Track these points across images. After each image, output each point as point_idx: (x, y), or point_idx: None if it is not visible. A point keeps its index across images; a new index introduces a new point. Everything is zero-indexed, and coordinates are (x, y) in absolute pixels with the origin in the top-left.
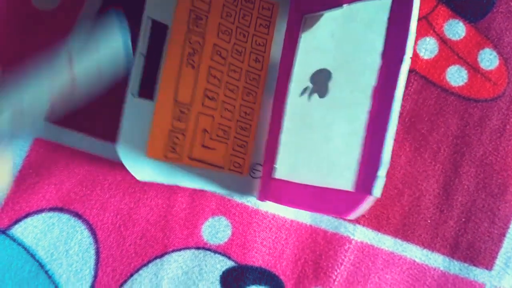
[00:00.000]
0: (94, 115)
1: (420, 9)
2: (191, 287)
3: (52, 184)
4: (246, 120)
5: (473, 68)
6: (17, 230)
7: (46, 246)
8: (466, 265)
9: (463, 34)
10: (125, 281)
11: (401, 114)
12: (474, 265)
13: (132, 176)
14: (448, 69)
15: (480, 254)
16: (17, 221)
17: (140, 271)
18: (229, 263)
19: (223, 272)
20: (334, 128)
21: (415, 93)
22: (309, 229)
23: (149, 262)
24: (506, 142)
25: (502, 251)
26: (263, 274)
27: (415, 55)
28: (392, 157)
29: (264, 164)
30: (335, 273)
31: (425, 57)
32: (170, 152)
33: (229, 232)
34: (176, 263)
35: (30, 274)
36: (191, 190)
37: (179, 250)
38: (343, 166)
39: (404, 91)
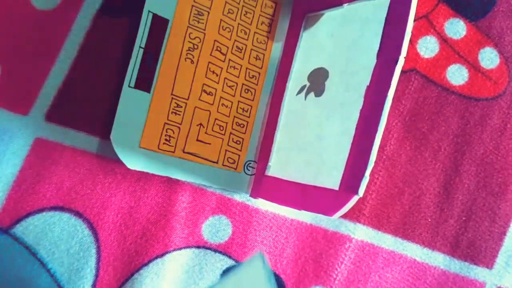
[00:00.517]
0: (94, 114)
1: (421, 8)
2: (191, 286)
3: (52, 183)
4: (243, 117)
5: (474, 67)
6: (19, 230)
7: (47, 245)
8: (466, 263)
9: (464, 33)
10: (126, 280)
11: (401, 113)
12: (475, 263)
13: (133, 175)
14: (449, 68)
15: (481, 253)
16: (18, 220)
17: (141, 271)
18: (230, 262)
19: (224, 271)
20: (327, 127)
21: (415, 92)
22: (309, 228)
23: (149, 261)
24: (507, 141)
25: (502, 249)
26: None
27: (416, 54)
28: (392, 156)
29: (258, 161)
30: (336, 272)
31: (426, 56)
32: (164, 144)
33: (229, 231)
34: (177, 262)
35: (32, 273)
36: (191, 189)
37: (180, 249)
38: (332, 165)
39: (405, 90)
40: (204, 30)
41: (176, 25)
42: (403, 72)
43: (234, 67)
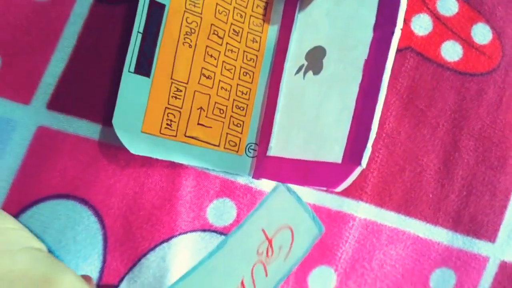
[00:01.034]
0: (95, 101)
1: None
2: None
3: (57, 171)
4: (242, 99)
5: (467, 43)
6: (24, 218)
7: (53, 233)
8: (469, 238)
9: (456, 10)
10: (134, 265)
11: (398, 91)
12: (477, 238)
13: (136, 161)
14: (443, 45)
15: (483, 227)
16: (24, 209)
17: (148, 255)
18: None
19: None
20: (326, 104)
21: (411, 70)
22: (313, 208)
23: (156, 246)
24: (503, 114)
25: (504, 223)
26: None
27: (410, 32)
28: (392, 134)
29: (259, 143)
30: (340, 251)
31: (420, 34)
32: (165, 129)
33: (234, 214)
34: (183, 246)
35: None
36: (195, 173)
37: (186, 233)
38: (333, 140)
39: (401, 68)
40: (201, 14)
41: (172, 9)
42: (398, 50)
43: (231, 51)
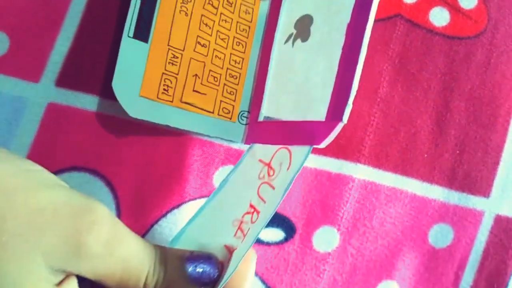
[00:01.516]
0: (101, 77)
1: None
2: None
3: (68, 145)
4: (235, 68)
5: (454, 8)
6: None
7: None
8: (464, 194)
9: None
10: (146, 232)
11: (390, 57)
12: (472, 193)
13: (144, 132)
14: (431, 11)
15: (477, 183)
16: None
17: (160, 222)
18: None
19: None
20: (314, 68)
21: (402, 36)
22: (313, 172)
23: (167, 212)
24: (491, 75)
25: (497, 178)
26: (274, 217)
27: (399, 1)
28: (386, 98)
29: (251, 110)
30: (342, 211)
31: (408, 2)
32: (162, 94)
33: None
34: (193, 211)
35: None
36: (200, 142)
37: (195, 199)
38: (319, 101)
39: (392, 35)
40: None
41: None
42: (388, 18)
43: (225, 21)
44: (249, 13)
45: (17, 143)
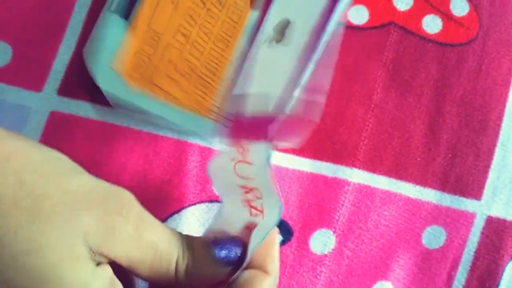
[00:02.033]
0: None
1: None
2: None
3: (70, 152)
4: (213, 63)
5: (447, 16)
6: None
7: None
8: (456, 197)
9: None
10: None
11: (384, 63)
12: (464, 196)
13: (144, 140)
14: (424, 19)
15: (469, 186)
16: None
17: None
18: None
19: None
20: (279, 66)
21: (395, 43)
22: (310, 176)
23: (167, 217)
24: (483, 81)
25: (488, 181)
26: None
27: (393, 8)
28: (380, 104)
29: (222, 106)
30: (337, 214)
31: (402, 9)
32: (133, 72)
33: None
34: (193, 217)
35: None
36: (199, 148)
37: (194, 204)
38: (273, 96)
39: (386, 42)
40: None
41: None
42: (382, 26)
43: (211, 17)
44: (236, 14)
45: None
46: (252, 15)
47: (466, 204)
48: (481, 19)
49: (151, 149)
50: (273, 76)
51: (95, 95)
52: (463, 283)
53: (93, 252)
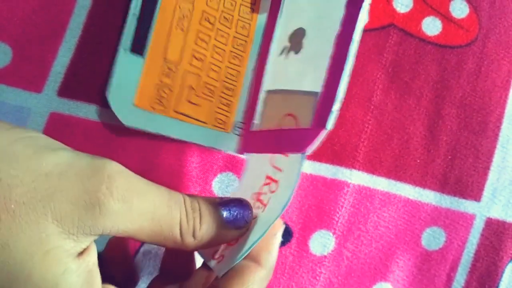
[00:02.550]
0: (102, 87)
1: None
2: None
3: None
4: (231, 81)
5: (446, 18)
6: None
7: None
8: (456, 198)
9: None
10: None
11: (384, 65)
12: (464, 197)
13: (144, 141)
14: (424, 21)
15: (468, 187)
16: None
17: None
18: None
19: None
20: (304, 78)
21: (395, 45)
22: (309, 178)
23: None
24: (482, 83)
25: (488, 183)
26: None
27: (392, 11)
28: (380, 105)
29: (245, 121)
30: (337, 215)
31: (402, 11)
32: (156, 104)
33: (236, 185)
34: None
35: None
36: (199, 150)
37: None
38: (308, 110)
39: (385, 44)
40: (193, 1)
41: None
42: (382, 28)
43: (222, 36)
44: (246, 28)
45: None
46: (260, 23)
47: (466, 206)
48: (480, 21)
49: (151, 150)
50: (302, 90)
51: (95, 96)
52: (463, 285)
53: (74, 234)
